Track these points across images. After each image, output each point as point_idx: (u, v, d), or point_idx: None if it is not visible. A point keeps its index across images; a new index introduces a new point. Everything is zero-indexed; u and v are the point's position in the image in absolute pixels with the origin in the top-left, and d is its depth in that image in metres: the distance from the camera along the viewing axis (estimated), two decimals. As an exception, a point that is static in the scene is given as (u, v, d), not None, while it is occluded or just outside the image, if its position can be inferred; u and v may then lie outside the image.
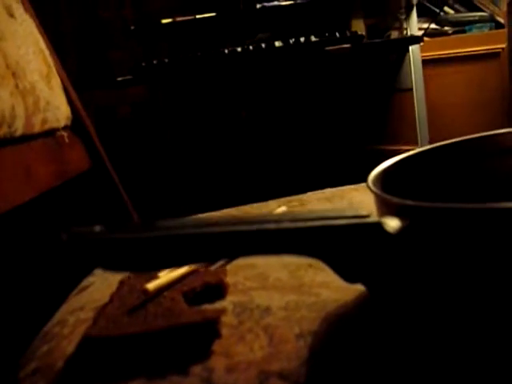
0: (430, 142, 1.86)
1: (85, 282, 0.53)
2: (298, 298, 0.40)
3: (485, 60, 1.77)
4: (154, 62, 1.41)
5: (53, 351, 0.38)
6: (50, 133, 0.64)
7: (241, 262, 0.51)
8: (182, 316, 0.36)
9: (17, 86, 0.55)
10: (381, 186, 0.41)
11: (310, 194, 0.77)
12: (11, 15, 0.61)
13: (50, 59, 0.67)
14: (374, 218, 0.32)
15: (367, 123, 2.10)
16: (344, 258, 0.31)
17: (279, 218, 0.30)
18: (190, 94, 1.94)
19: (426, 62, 1.80)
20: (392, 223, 0.33)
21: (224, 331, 0.36)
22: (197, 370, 0.33)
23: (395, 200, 0.35)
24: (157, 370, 0.33)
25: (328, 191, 0.76)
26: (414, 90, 1.78)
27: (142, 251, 0.26)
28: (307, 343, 0.34)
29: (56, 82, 0.66)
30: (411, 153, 0.47)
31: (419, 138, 1.85)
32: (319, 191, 0.77)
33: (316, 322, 0.36)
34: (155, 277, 0.42)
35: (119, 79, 1.42)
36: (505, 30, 1.70)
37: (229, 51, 1.39)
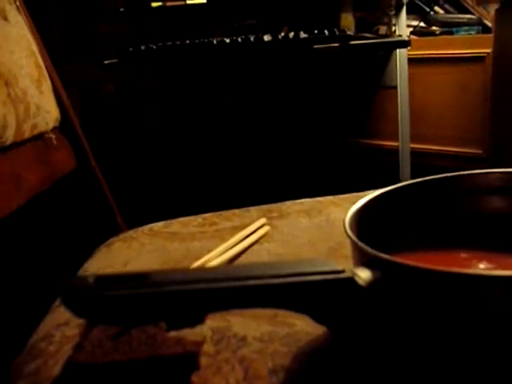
0: (411, 140, 1.90)
1: (69, 291, 0.55)
2: (272, 328, 0.43)
3: (470, 63, 1.80)
4: (142, 47, 1.41)
5: (39, 370, 0.40)
6: (39, 136, 0.65)
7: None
8: (164, 345, 0.39)
9: (9, 95, 0.56)
10: (357, 226, 0.43)
11: (289, 203, 0.79)
12: (5, 18, 0.62)
13: (41, 61, 0.68)
14: (346, 274, 0.34)
15: (351, 118, 2.13)
16: (320, 310, 0.34)
17: (260, 274, 0.32)
18: (175, 79, 1.94)
19: (411, 61, 1.82)
20: (364, 275, 0.35)
21: (202, 360, 0.39)
22: (176, 401, 0.35)
23: (369, 251, 0.37)
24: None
25: (307, 203, 0.78)
26: (399, 87, 1.81)
27: (133, 308, 0.28)
28: (279, 380, 0.37)
29: (46, 85, 0.67)
30: (387, 189, 0.49)
31: (400, 135, 1.88)
32: (298, 201, 0.79)
33: (288, 357, 0.39)
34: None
35: (106, 62, 1.42)
36: (491, 35, 1.72)
37: (217, 41, 1.39)
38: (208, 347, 0.41)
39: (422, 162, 1.98)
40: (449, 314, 0.33)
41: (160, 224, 0.75)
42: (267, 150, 2.05)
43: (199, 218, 0.76)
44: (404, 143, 1.89)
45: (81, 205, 0.78)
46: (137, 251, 0.65)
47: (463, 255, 0.47)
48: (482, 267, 0.43)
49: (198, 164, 2.02)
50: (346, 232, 0.40)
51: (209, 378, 0.37)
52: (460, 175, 0.53)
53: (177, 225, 0.74)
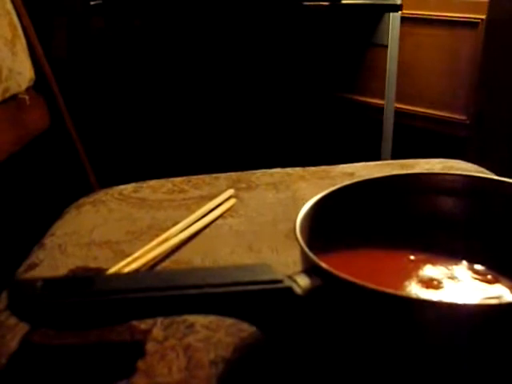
0: (398, 100, 1.90)
1: (33, 258, 0.57)
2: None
3: (463, 28, 1.77)
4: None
5: (-2, 345, 0.43)
6: (12, 97, 0.65)
7: (180, 260, 0.56)
8: (114, 332, 0.41)
9: (-20, 60, 0.56)
10: (310, 224, 0.45)
11: (259, 173, 0.80)
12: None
13: (16, 20, 0.67)
14: (285, 283, 0.36)
15: (341, 73, 2.11)
16: (259, 318, 0.36)
17: (201, 283, 0.34)
18: (162, 26, 1.89)
19: (405, 20, 1.79)
20: (303, 283, 0.38)
21: (150, 346, 0.42)
22: (120, 386, 0.38)
23: (311, 258, 0.39)
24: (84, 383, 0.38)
25: (277, 174, 0.79)
26: (389, 47, 1.78)
27: (78, 315, 0.30)
28: (218, 371, 0.40)
29: (20, 45, 0.66)
30: (342, 185, 0.51)
31: (386, 94, 1.88)
32: (269, 171, 0.80)
33: (230, 349, 0.42)
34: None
35: (92, 3, 1.39)
36: (487, 1, 1.70)
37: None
38: (157, 332, 0.43)
39: (406, 123, 1.98)
40: (376, 330, 0.36)
41: (130, 187, 0.76)
42: (256, 103, 2.04)
43: (169, 183, 0.77)
44: (389, 103, 1.88)
45: (54, 161, 0.79)
46: (104, 217, 0.67)
47: (411, 257, 0.48)
48: (423, 274, 0.45)
49: (187, 114, 2.01)
50: (295, 236, 0.42)
51: (153, 364, 0.40)
52: (416, 174, 0.55)
53: (146, 190, 0.75)
